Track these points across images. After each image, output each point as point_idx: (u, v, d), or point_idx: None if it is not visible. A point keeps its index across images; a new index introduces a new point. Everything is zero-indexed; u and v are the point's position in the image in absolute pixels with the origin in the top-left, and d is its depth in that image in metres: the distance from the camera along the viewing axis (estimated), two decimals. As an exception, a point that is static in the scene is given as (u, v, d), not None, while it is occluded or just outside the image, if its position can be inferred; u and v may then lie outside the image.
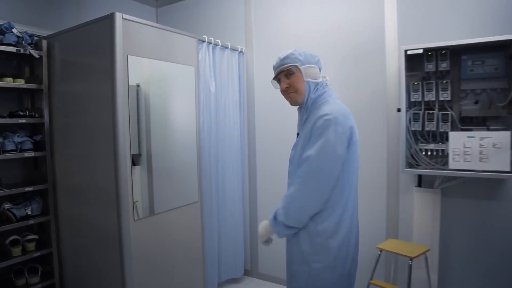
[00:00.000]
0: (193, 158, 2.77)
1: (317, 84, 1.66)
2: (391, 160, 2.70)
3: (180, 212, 2.66)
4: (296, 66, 1.64)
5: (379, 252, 2.40)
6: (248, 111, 3.38)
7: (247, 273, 3.44)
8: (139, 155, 2.47)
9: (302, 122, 1.69)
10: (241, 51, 3.28)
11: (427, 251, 2.32)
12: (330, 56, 2.86)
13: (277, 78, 1.71)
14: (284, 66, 1.66)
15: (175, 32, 2.57)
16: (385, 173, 2.74)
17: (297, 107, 1.74)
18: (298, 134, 1.73)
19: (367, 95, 2.78)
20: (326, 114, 1.52)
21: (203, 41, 2.84)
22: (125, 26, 2.19)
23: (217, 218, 3.02)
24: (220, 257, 3.08)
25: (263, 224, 1.73)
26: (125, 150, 2.20)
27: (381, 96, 2.71)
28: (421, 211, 2.52)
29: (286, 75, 1.66)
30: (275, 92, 1.82)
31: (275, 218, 1.62)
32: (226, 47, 3.10)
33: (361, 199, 2.68)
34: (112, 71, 2.15)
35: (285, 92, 1.69)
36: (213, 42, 2.92)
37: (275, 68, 1.71)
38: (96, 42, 2.28)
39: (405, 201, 2.65)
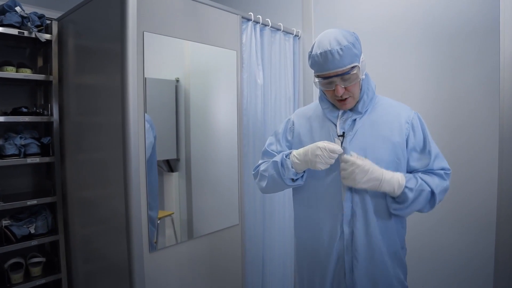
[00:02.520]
0: (234, 168, 2.18)
1: (367, 76, 1.35)
2: (505, 177, 1.89)
3: (218, 238, 2.08)
4: (357, 66, 1.25)
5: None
6: (304, 110, 2.69)
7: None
8: (177, 160, 2.05)
9: (348, 122, 1.35)
10: (296, 35, 2.62)
11: None
12: (415, 38, 2.13)
13: (327, 80, 1.27)
14: (344, 68, 1.23)
15: (210, 5, 1.98)
16: (495, 197, 1.93)
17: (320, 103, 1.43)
18: (342, 135, 1.33)
19: (469, 87, 1.99)
20: (409, 108, 1.39)
21: (249, 20, 2.22)
22: (140, -6, 1.64)
23: (262, 244, 2.38)
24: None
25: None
26: (137, 159, 1.64)
27: (491, 88, 1.92)
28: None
29: (343, 78, 1.25)
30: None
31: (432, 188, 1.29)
32: (278, 29, 2.46)
33: (457, 232, 1.96)
34: (122, 52, 1.60)
35: (339, 97, 1.29)
36: (261, 22, 2.30)
37: (325, 67, 1.25)
38: (106, 17, 1.76)
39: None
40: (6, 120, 1.99)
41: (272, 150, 1.51)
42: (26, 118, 2.01)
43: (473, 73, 1.98)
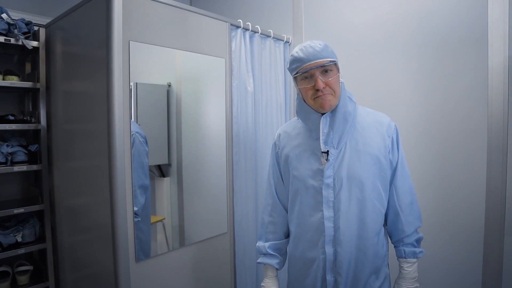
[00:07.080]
0: (223, 176, 2.17)
1: (343, 85, 1.37)
2: (493, 186, 1.90)
3: (208, 246, 2.07)
4: (336, 63, 1.32)
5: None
6: (296, 117, 2.68)
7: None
8: (169, 165, 2.04)
9: (328, 134, 1.34)
10: (287, 41, 2.62)
11: None
12: (405, 46, 2.13)
13: (307, 73, 1.29)
14: (324, 60, 1.28)
15: (198, 13, 1.98)
16: (483, 206, 1.93)
17: (298, 116, 1.44)
18: (326, 152, 1.34)
19: (458, 94, 2.00)
20: (389, 119, 1.42)
21: (238, 27, 2.22)
22: (126, 3, 1.63)
23: (256, 254, 2.36)
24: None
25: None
26: (123, 167, 1.63)
27: (480, 96, 1.92)
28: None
29: (323, 72, 1.29)
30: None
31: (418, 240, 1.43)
32: (268, 36, 2.45)
33: (444, 241, 1.94)
34: (108, 61, 1.59)
35: (319, 93, 1.29)
36: (250, 29, 2.29)
37: (305, 59, 1.29)
38: (93, 24, 1.75)
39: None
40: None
41: (275, 178, 1.56)
42: (13, 126, 2.00)
43: (462, 81, 1.98)
